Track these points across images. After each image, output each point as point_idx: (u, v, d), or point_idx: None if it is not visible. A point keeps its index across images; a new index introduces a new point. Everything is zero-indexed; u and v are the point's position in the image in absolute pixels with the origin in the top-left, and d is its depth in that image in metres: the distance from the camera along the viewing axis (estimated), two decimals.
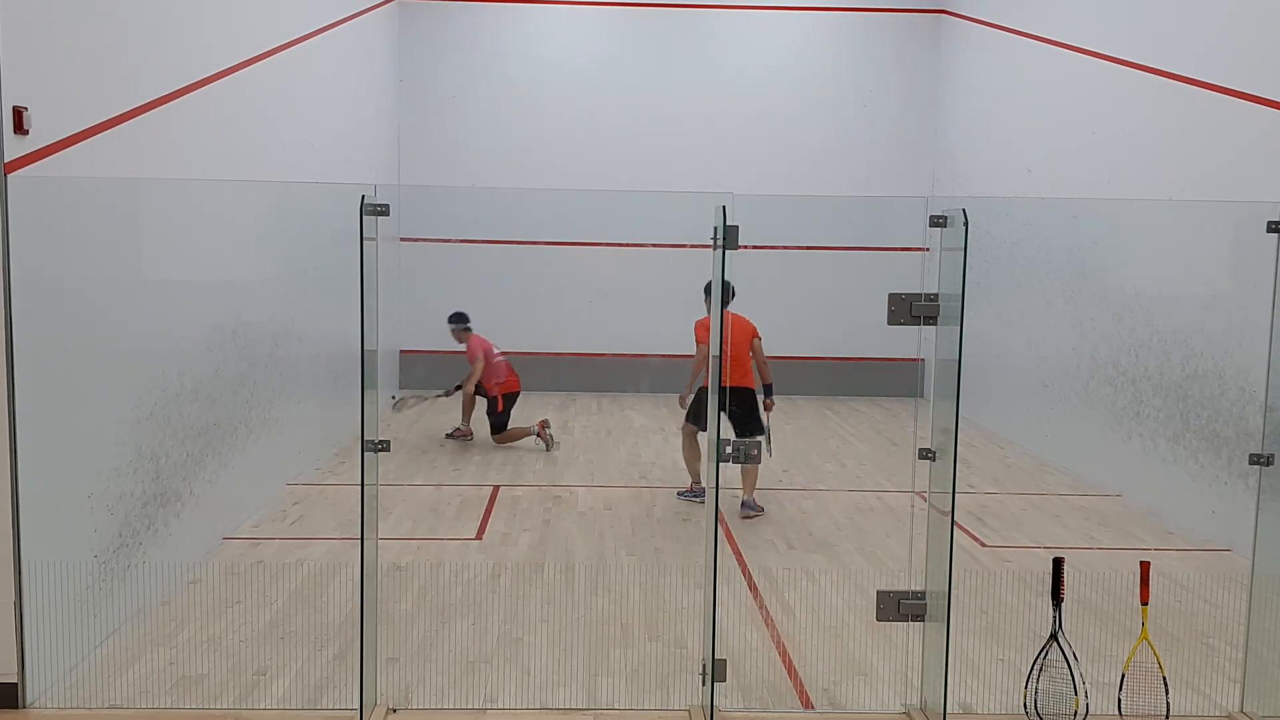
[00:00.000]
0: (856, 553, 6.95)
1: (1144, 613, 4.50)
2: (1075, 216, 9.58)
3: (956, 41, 13.09)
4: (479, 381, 9.98)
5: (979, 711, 4.66)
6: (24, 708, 4.48)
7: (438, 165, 13.59)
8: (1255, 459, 4.62)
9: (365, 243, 4.13)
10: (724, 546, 6.89)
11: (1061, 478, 9.22)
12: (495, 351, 9.98)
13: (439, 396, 10.61)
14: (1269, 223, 4.56)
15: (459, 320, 10.30)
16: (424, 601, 5.85)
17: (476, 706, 4.60)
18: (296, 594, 5.94)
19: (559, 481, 8.81)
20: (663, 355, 12.77)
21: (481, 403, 10.15)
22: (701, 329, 7.93)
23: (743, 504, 7.74)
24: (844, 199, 13.45)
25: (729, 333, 7.74)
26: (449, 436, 10.37)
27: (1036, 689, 4.42)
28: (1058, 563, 4.49)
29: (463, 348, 10.19)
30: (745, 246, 4.33)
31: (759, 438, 7.76)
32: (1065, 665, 4.38)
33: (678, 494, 8.27)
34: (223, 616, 5.55)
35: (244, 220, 7.32)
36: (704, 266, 4.58)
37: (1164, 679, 4.43)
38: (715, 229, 4.33)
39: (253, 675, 4.85)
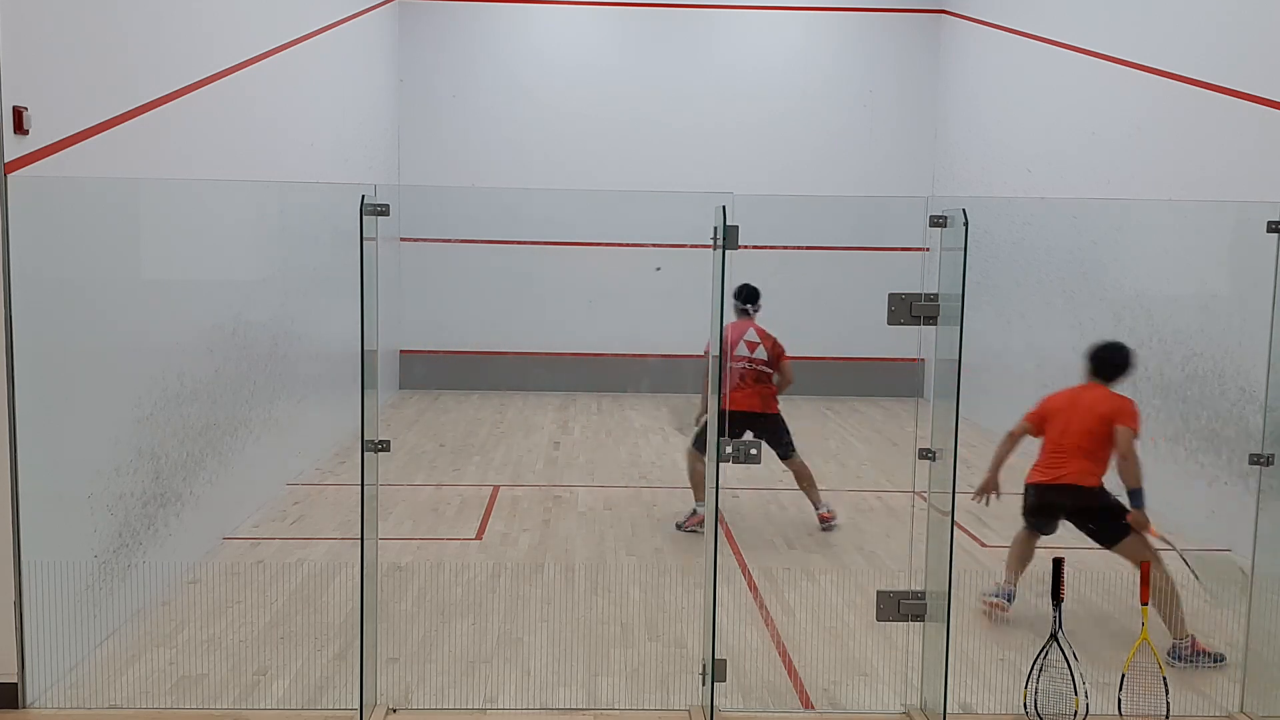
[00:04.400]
0: (856, 553, 6.95)
1: (1144, 613, 4.50)
2: (1075, 216, 9.58)
3: (956, 41, 13.09)
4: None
5: (979, 711, 4.66)
6: (24, 708, 4.48)
7: (438, 165, 13.60)
8: (1255, 459, 4.62)
9: (365, 243, 4.13)
10: (724, 546, 6.89)
11: None
12: (741, 353, 7.39)
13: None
14: (1269, 223, 4.57)
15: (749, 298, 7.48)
16: (424, 601, 5.85)
17: (476, 706, 4.60)
18: (296, 594, 5.93)
19: (559, 481, 8.81)
20: (663, 355, 12.76)
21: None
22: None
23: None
24: (844, 199, 13.44)
25: None
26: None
27: (1036, 689, 4.42)
28: (1058, 563, 4.49)
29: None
30: (745, 246, 4.33)
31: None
32: (1065, 665, 4.38)
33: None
34: (223, 616, 5.55)
35: (244, 220, 7.32)
36: (704, 266, 4.57)
37: (1164, 679, 4.43)
38: (715, 229, 4.33)
39: (253, 675, 4.85)
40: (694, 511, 7.33)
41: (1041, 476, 5.64)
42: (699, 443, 7.27)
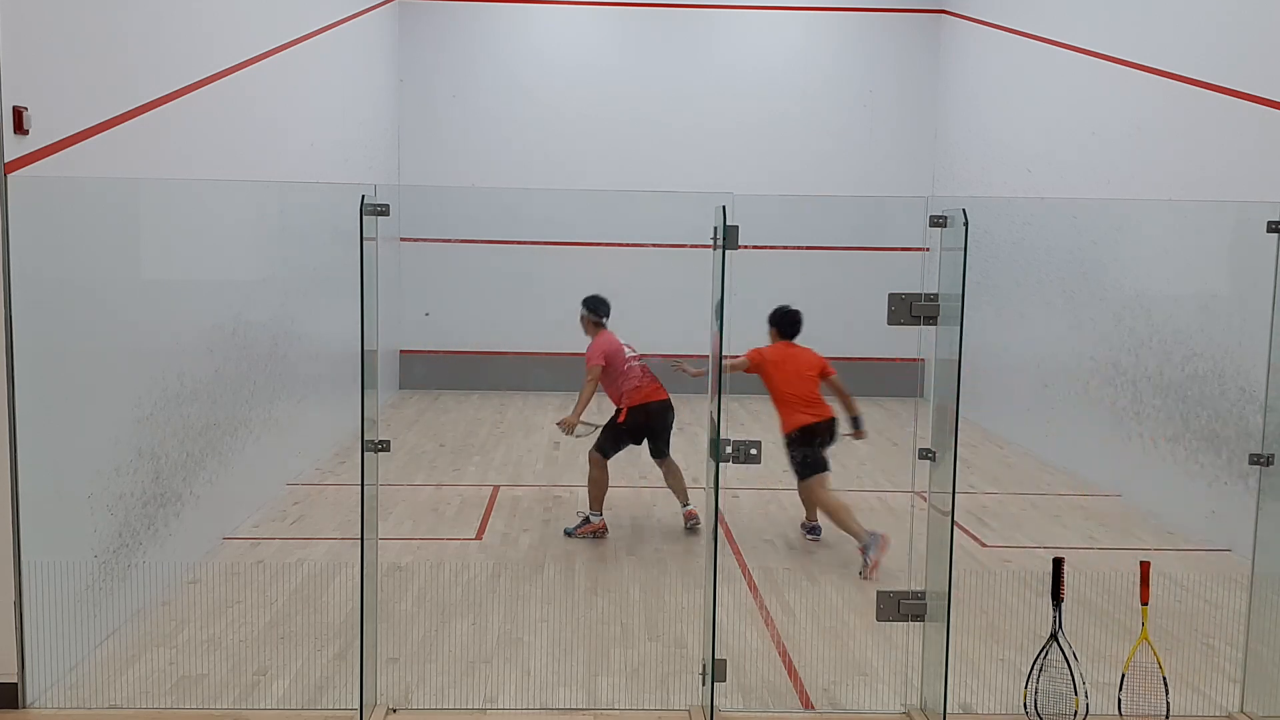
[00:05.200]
0: (857, 553, 6.94)
1: (1144, 613, 4.50)
2: (1075, 216, 9.58)
3: (956, 41, 13.09)
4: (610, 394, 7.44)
5: (979, 711, 4.66)
6: (24, 708, 4.48)
7: (438, 165, 13.60)
8: (1255, 459, 4.62)
9: (365, 243, 4.13)
10: (724, 546, 6.88)
11: (1061, 478, 9.21)
12: (629, 354, 7.43)
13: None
14: (1269, 223, 4.57)
15: (595, 310, 7.62)
16: (424, 601, 5.85)
17: (476, 706, 4.60)
18: (296, 594, 5.94)
19: (559, 481, 8.81)
20: (663, 355, 12.74)
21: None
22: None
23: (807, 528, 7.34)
24: (844, 199, 13.44)
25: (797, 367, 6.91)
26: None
27: (1036, 689, 4.42)
28: (1058, 563, 4.49)
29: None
30: (745, 246, 4.33)
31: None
32: (1065, 665, 4.38)
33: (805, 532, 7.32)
34: (223, 616, 5.55)
35: (244, 220, 7.32)
36: (704, 266, 4.58)
37: (1164, 679, 4.43)
38: (715, 229, 4.33)
39: (253, 675, 4.85)
40: (587, 519, 7.26)
41: (812, 418, 6.90)
42: (603, 446, 7.30)
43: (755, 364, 6.99)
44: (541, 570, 6.47)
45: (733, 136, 13.66)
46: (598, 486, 7.25)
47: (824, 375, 7.00)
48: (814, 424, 6.88)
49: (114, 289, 5.38)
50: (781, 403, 6.96)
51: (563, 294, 13.46)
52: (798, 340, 7.13)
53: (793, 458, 6.95)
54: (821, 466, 6.91)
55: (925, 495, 4.54)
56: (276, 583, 6.10)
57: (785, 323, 7.18)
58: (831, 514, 6.73)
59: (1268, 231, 4.58)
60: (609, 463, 7.31)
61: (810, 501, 7.09)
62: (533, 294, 13.52)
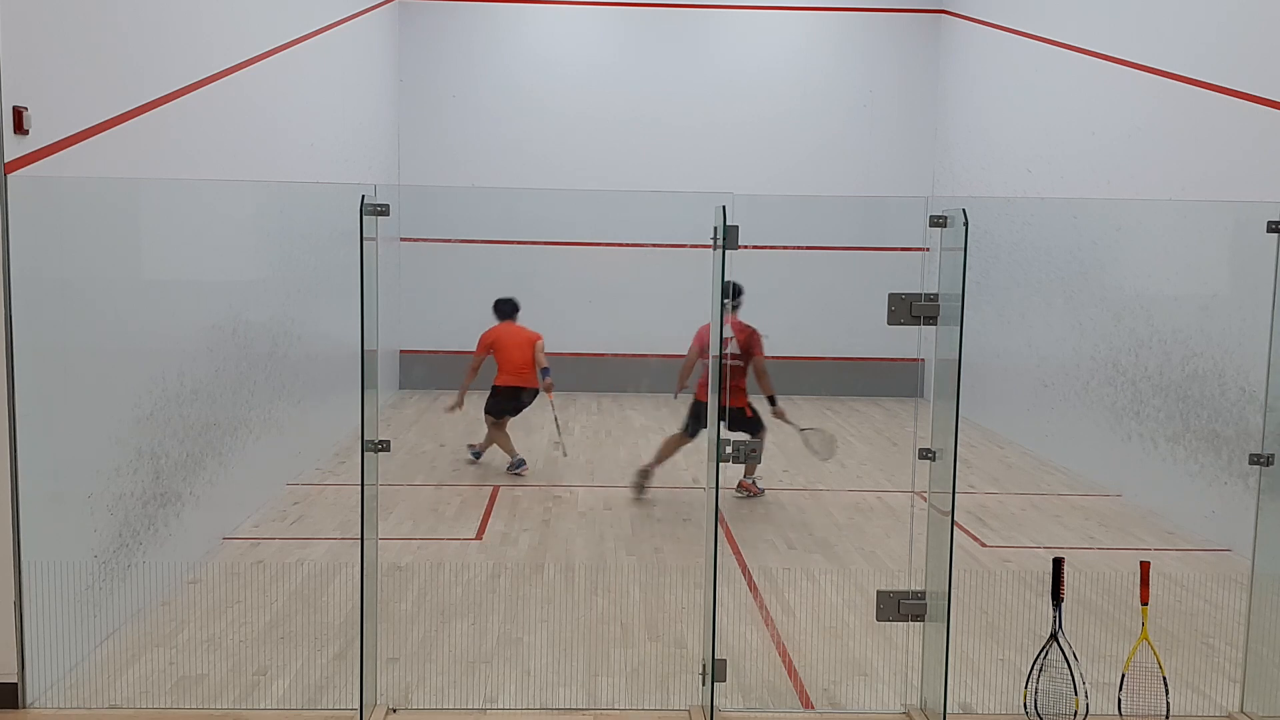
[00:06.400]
0: (856, 553, 6.95)
1: (1144, 613, 4.50)
2: (1075, 216, 9.58)
3: (956, 41, 13.09)
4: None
5: (979, 711, 4.66)
6: (24, 708, 4.48)
7: (438, 165, 13.59)
8: (1255, 459, 4.62)
9: (365, 243, 4.13)
10: (724, 546, 6.89)
11: (1061, 478, 9.22)
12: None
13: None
14: (1269, 223, 4.57)
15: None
16: (424, 601, 5.85)
17: (476, 706, 4.60)
18: (296, 594, 5.94)
19: (559, 481, 8.81)
20: (663, 355, 12.76)
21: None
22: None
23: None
24: (844, 199, 13.44)
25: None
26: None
27: (1036, 689, 4.42)
28: (1058, 563, 4.49)
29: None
30: (745, 246, 4.33)
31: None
32: (1065, 665, 4.38)
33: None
34: (223, 616, 5.55)
35: (244, 220, 7.33)
36: (704, 266, 4.58)
37: (1164, 679, 4.43)
38: (715, 229, 4.33)
39: (253, 675, 4.85)
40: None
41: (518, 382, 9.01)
42: (691, 429, 8.11)
43: (484, 344, 9.18)
44: (541, 570, 6.47)
45: (733, 136, 13.66)
46: (666, 448, 8.20)
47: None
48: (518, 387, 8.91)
49: (114, 289, 5.38)
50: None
51: (563, 294, 13.54)
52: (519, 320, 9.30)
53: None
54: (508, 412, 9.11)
55: (925, 495, 4.54)
56: (276, 583, 6.10)
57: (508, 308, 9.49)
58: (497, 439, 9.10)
59: (1268, 231, 4.58)
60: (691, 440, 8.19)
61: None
62: (533, 294, 13.49)
